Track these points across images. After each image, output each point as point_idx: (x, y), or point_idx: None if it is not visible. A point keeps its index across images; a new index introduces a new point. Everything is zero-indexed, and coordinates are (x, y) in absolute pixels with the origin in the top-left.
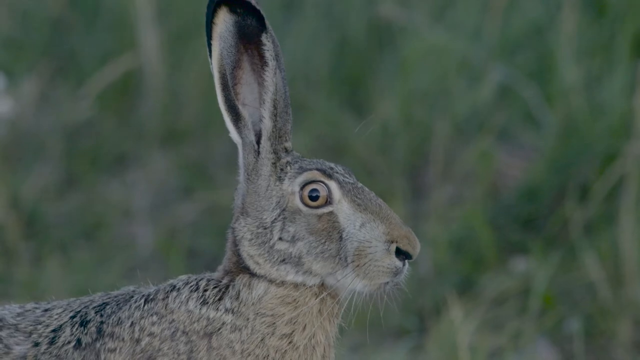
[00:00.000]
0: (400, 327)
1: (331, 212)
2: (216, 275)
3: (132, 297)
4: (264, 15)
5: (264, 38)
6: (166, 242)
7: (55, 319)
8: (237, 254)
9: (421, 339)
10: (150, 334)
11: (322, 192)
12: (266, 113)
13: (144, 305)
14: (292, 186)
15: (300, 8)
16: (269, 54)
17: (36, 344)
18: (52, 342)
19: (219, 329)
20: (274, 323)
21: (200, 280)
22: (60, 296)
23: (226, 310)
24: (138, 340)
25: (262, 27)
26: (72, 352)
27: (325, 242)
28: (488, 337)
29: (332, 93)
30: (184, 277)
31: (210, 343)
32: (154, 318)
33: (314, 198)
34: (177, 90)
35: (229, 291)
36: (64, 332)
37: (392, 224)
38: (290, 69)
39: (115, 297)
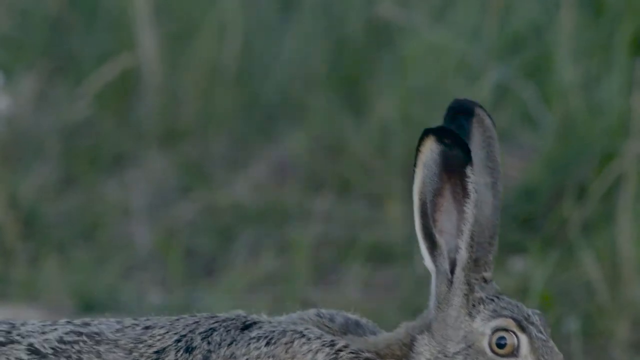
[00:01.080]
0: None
1: None
2: (358, 344)
3: (249, 329)
4: (471, 149)
5: (469, 170)
6: (164, 242)
7: (158, 339)
8: (406, 356)
9: None
10: None
11: (510, 341)
12: (463, 244)
13: (265, 347)
14: (483, 328)
15: (299, 7)
16: (471, 186)
17: None
18: None
19: None
20: None
21: (335, 340)
22: (58, 296)
23: None
24: None
25: (468, 159)
26: None
27: None
28: None
29: (330, 92)
30: (317, 331)
31: None
32: None
33: (501, 346)
34: (175, 90)
35: None
36: (167, 356)
37: None
38: (287, 68)
39: (224, 322)
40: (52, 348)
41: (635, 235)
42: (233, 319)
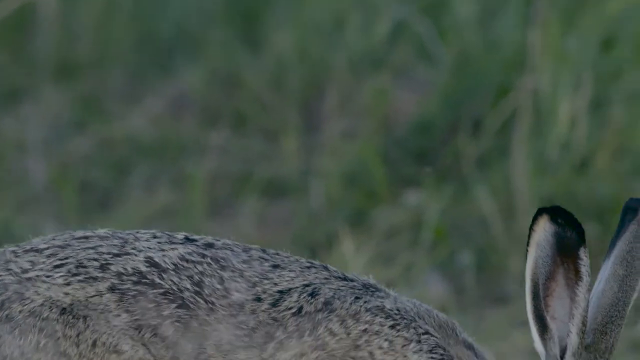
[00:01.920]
0: None
1: None
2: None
3: (384, 301)
4: (584, 230)
5: (582, 252)
6: (59, 176)
7: (286, 280)
8: None
9: None
10: (371, 354)
11: None
12: (574, 329)
13: (387, 329)
14: None
15: None
16: (584, 269)
17: (258, 299)
18: (275, 303)
19: None
20: None
21: (444, 358)
22: None
23: None
24: (358, 347)
25: (582, 241)
26: (290, 318)
27: None
28: (379, 270)
29: (227, 27)
30: (432, 341)
31: None
32: (386, 345)
33: None
34: (71, 24)
35: None
36: (290, 297)
37: None
38: (184, 1)
39: (352, 287)
40: (174, 264)
41: (529, 170)
42: (363, 286)
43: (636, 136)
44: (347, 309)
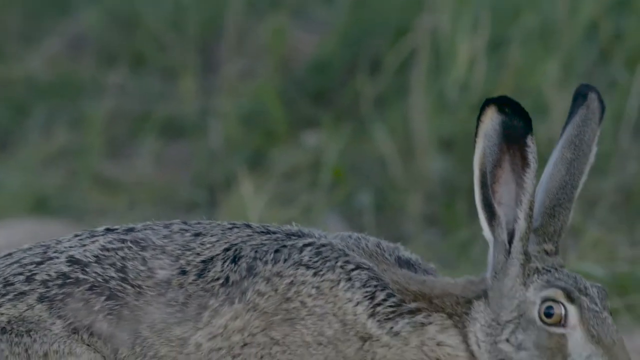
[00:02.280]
0: (190, 201)
1: (563, 335)
2: (400, 294)
3: (302, 251)
4: (531, 119)
5: (529, 140)
6: None
7: (208, 248)
8: (458, 315)
9: (211, 213)
10: (303, 303)
11: (557, 311)
12: (521, 214)
13: (312, 277)
14: (534, 297)
15: None
16: (532, 156)
17: (183, 272)
18: (201, 274)
19: (375, 340)
20: None
21: (378, 290)
22: None
23: (392, 332)
24: (288, 300)
25: (529, 129)
26: (219, 288)
27: None
28: (278, 210)
29: None
30: (364, 275)
31: (362, 346)
32: (314, 292)
33: (548, 315)
34: None
35: (417, 319)
36: (214, 267)
37: None
38: None
39: (276, 240)
40: (95, 256)
41: (428, 110)
42: (285, 236)
43: (534, 76)
44: (270, 269)
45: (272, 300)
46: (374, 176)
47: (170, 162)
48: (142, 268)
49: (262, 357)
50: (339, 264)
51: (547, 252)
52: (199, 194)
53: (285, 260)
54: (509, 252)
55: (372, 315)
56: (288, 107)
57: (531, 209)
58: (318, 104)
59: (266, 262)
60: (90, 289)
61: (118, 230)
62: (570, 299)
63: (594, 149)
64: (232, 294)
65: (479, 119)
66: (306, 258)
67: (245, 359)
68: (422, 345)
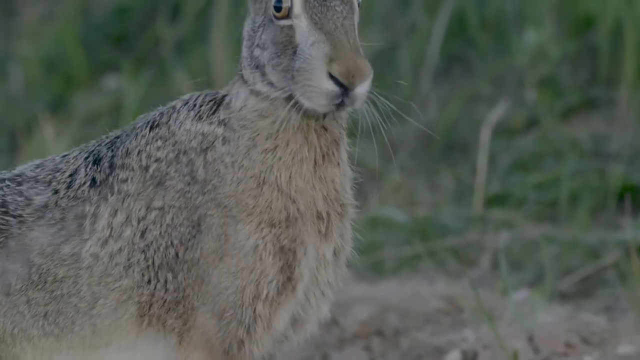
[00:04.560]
0: None
1: (291, 26)
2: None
3: (138, 125)
4: None
5: None
6: None
7: (72, 163)
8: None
9: (13, 158)
10: (157, 160)
11: (285, 4)
12: None
13: (149, 133)
14: None
15: None
16: None
17: (55, 192)
18: (69, 186)
19: (213, 143)
20: (255, 137)
21: (198, 96)
22: None
23: (219, 122)
24: (147, 168)
25: None
26: (88, 191)
27: (280, 55)
28: None
29: None
30: (186, 96)
31: (206, 158)
32: (159, 143)
33: (277, 9)
34: None
35: (224, 101)
36: (79, 175)
37: (339, 48)
38: None
39: (125, 130)
40: None
41: (228, 54)
42: (133, 124)
43: None
44: (121, 156)
45: (135, 178)
46: None
47: None
48: (19, 199)
49: (165, 231)
50: (164, 108)
51: None
52: (0, 138)
53: (130, 142)
54: None
55: (199, 119)
56: (89, 51)
57: None
58: (119, 48)
59: (117, 150)
60: None
61: (4, 176)
62: None
63: None
64: (103, 191)
65: None
66: (140, 122)
67: (156, 248)
68: (241, 127)
